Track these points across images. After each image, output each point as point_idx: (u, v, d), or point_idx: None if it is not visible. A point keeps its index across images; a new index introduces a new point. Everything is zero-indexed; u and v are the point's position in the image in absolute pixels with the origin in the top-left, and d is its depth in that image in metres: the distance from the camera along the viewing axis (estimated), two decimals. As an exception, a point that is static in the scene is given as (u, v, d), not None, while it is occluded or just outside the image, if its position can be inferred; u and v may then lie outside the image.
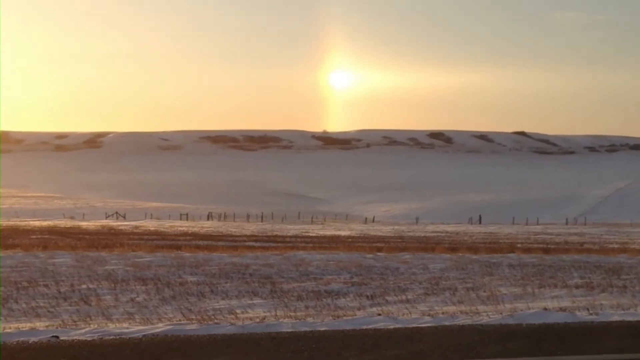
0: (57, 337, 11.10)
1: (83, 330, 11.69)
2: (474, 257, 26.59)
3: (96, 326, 12.21)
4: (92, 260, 23.10)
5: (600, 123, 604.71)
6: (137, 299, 15.92)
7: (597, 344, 11.25)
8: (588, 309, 14.43)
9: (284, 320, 12.91)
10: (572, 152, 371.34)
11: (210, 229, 67.17)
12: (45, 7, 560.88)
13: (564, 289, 18.07)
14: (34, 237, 43.29)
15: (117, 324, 12.54)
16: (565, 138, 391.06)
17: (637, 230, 74.92)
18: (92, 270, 20.50)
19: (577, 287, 18.54)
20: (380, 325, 12.38)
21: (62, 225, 66.80)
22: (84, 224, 73.65)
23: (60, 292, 16.49)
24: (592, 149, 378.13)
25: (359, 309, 14.79)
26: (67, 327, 12.19)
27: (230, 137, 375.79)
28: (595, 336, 11.82)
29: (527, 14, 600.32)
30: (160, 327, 11.87)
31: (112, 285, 17.82)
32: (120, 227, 65.45)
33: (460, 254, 27.79)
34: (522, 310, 14.21)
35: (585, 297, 16.64)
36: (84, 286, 17.54)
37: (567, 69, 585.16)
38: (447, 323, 12.67)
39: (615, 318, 13.44)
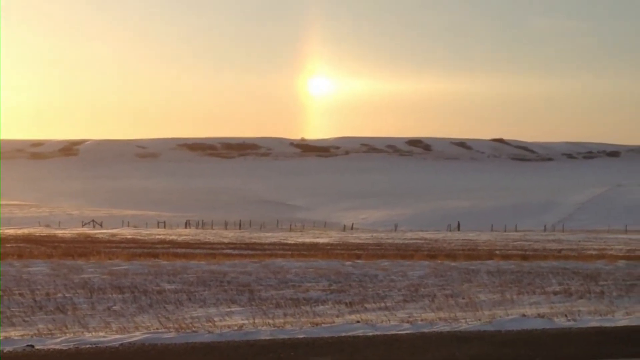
0: (32, 346, 10.98)
1: (59, 340, 11.58)
2: (453, 264, 26.61)
3: (72, 335, 12.10)
4: (68, 268, 22.91)
5: (577, 130, 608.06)
6: (113, 307, 15.79)
7: (575, 350, 11.26)
8: (566, 315, 14.46)
9: (263, 328, 12.85)
10: (550, 159, 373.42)
11: (188, 236, 66.91)
12: (18, 13, 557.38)
13: (543, 296, 18.11)
14: (9, 245, 42.91)
15: (93, 333, 12.43)
16: (543, 145, 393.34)
17: (615, 236, 75.34)
18: (68, 279, 20.32)
19: (555, 293, 18.58)
20: (359, 332, 12.34)
21: (38, 234, 66.31)
22: (59, 232, 73.19)
23: (35, 301, 16.33)
24: (569, 156, 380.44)
25: (337, 316, 14.74)
26: (43, 336, 12.06)
27: (207, 145, 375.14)
28: (573, 342, 11.83)
29: (505, 21, 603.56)
30: (137, 336, 11.77)
31: (89, 293, 17.68)
32: (96, 235, 65.06)
33: (439, 261, 27.80)
34: (500, 316, 14.22)
35: (564, 304, 16.69)
36: (59, 295, 17.37)
37: (544, 76, 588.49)
38: (425, 330, 12.65)
39: (593, 324, 13.48)
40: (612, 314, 14.84)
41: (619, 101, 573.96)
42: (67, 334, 12.22)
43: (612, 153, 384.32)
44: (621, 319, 14.17)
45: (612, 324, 13.52)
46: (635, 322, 13.84)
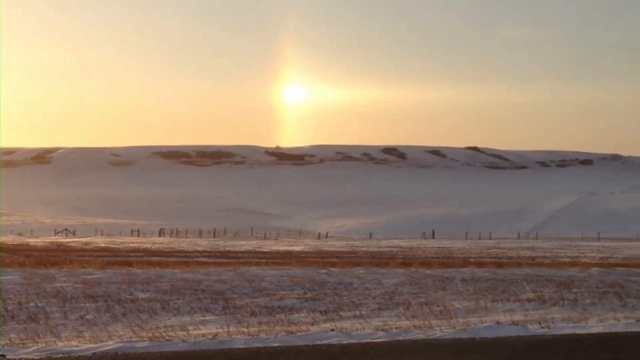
0: (4, 356, 10.88)
1: (31, 349, 11.47)
2: (428, 271, 26.64)
3: (44, 344, 11.99)
4: (40, 277, 22.71)
5: (551, 138, 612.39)
6: (86, 316, 15.67)
7: (549, 356, 11.30)
8: (540, 323, 14.51)
9: (237, 336, 12.79)
10: (523, 167, 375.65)
11: (162, 245, 66.60)
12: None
13: (517, 303, 18.17)
14: (-18, 254, 42.50)
15: (66, 342, 12.31)
16: (517, 153, 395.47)
17: (588, 244, 75.84)
18: (40, 288, 20.14)
19: (529, 300, 18.64)
20: (334, 340, 12.31)
21: (10, 242, 65.71)
22: (32, 240, 72.63)
23: (7, 310, 16.17)
24: (543, 164, 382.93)
25: (312, 325, 14.71)
26: (15, 345, 11.94)
27: (182, 153, 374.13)
28: (547, 349, 11.87)
29: (479, 31, 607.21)
30: (110, 345, 11.69)
31: (61, 302, 17.53)
32: (69, 244, 64.61)
33: (414, 269, 27.83)
34: (475, 324, 14.24)
35: (537, 311, 16.74)
36: (32, 304, 17.22)
37: (518, 84, 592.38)
38: (400, 338, 12.65)
39: (567, 331, 13.53)
40: (585, 321, 14.91)
41: (592, 110, 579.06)
42: (40, 344, 12.10)
43: (585, 161, 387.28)
44: (594, 326, 14.24)
45: (586, 331, 13.58)
46: (608, 329, 13.92)
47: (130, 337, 12.69)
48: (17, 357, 10.79)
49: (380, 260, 38.97)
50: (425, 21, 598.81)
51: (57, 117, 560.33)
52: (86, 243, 67.40)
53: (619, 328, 13.96)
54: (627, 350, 12.07)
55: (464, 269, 28.18)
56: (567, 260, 42.08)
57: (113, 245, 62.33)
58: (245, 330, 13.68)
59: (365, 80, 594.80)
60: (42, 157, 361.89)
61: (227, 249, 59.89)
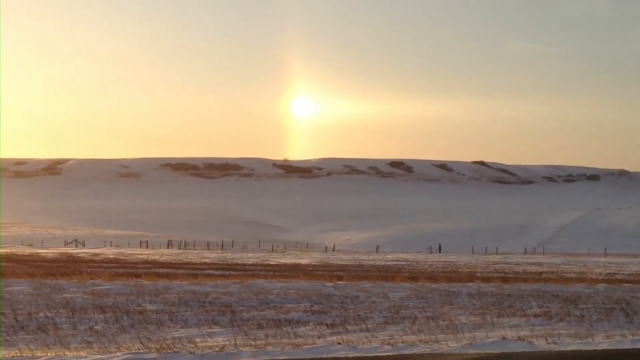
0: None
1: None
2: (434, 286, 26.69)
3: (54, 355, 12.10)
4: (50, 288, 22.85)
5: (557, 153, 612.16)
6: (95, 327, 15.79)
7: (554, 372, 11.35)
8: (546, 338, 14.55)
9: (244, 349, 12.88)
10: (530, 182, 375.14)
11: (170, 256, 66.74)
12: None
13: (523, 318, 18.21)
14: (-9, 264, 42.63)
15: (75, 353, 12.43)
16: (523, 168, 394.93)
17: (594, 259, 75.67)
18: (50, 299, 20.27)
19: (535, 316, 18.68)
20: (340, 354, 12.40)
21: (20, 253, 65.94)
22: (42, 251, 72.81)
23: (17, 321, 16.30)
24: (550, 179, 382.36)
25: (318, 338, 14.79)
26: (24, 356, 12.06)
27: (191, 165, 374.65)
28: (553, 365, 11.94)
29: (486, 45, 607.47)
30: (118, 356, 11.80)
31: (70, 313, 17.65)
32: (79, 255, 64.79)
33: (420, 283, 27.88)
34: (481, 339, 14.30)
35: (544, 326, 16.79)
36: (41, 314, 17.34)
37: (525, 99, 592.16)
38: (406, 352, 12.72)
39: (573, 347, 13.58)
40: (592, 338, 14.95)
41: (599, 125, 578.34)
42: (49, 354, 12.22)
43: (592, 177, 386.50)
44: (601, 343, 14.28)
45: (592, 348, 13.62)
46: (615, 345, 13.96)
47: (138, 349, 12.81)
48: (27, 367, 10.91)
49: (386, 273, 39.01)
50: (431, 36, 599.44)
51: (67, 129, 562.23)
52: (95, 254, 67.58)
53: (626, 345, 13.99)
54: (632, 366, 12.13)
55: (470, 284, 28.21)
56: (574, 275, 42.05)
57: (122, 257, 62.47)
58: (252, 342, 13.77)
59: (373, 94, 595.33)
60: (52, 168, 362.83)
61: (235, 261, 59.99)
